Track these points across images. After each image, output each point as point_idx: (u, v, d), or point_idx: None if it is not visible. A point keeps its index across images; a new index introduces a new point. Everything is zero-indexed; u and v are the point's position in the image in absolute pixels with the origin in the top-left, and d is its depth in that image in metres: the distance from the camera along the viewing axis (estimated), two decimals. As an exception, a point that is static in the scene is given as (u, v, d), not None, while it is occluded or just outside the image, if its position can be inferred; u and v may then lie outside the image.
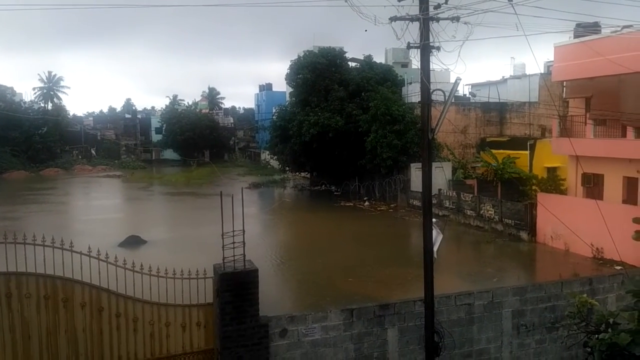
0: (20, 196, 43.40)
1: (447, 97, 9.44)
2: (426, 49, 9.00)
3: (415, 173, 32.92)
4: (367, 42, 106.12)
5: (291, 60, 43.40)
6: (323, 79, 40.68)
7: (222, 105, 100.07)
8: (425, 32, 8.89)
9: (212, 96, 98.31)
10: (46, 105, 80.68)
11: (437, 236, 10.18)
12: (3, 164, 61.14)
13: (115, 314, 8.23)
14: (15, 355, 7.80)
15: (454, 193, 30.81)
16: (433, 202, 10.01)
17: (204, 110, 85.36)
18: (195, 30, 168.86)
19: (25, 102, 75.85)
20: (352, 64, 44.63)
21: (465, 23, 9.11)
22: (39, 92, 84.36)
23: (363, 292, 16.85)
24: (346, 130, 38.31)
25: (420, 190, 10.38)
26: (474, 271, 20.16)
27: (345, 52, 43.74)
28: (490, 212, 27.72)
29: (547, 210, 21.59)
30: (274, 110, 48.56)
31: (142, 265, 8.40)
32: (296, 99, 42.76)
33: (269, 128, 48.13)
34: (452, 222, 28.35)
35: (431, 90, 9.18)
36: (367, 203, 36.63)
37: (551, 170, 27.97)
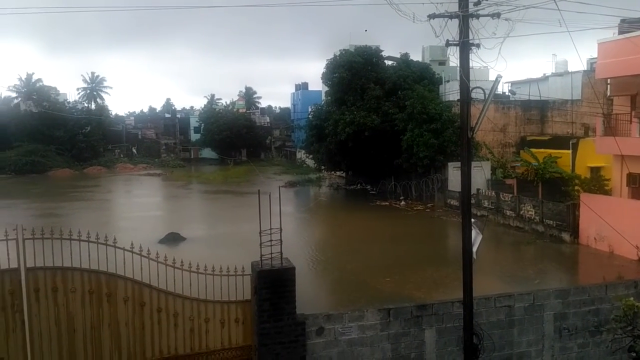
0: (65, 193, 44.92)
1: (487, 96, 9.27)
2: (465, 46, 8.86)
3: (453, 172, 32.45)
4: (403, 40, 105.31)
5: (327, 59, 43.46)
6: (359, 78, 40.54)
7: (259, 105, 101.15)
8: (464, 29, 8.74)
9: (249, 96, 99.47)
10: (89, 105, 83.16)
11: (476, 236, 10.02)
12: (48, 163, 63.33)
13: (157, 309, 8.41)
14: (60, 348, 8.07)
15: (493, 193, 30.24)
16: (472, 202, 9.84)
17: (241, 110, 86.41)
18: (234, 30, 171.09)
19: (69, 102, 78.27)
20: (388, 63, 44.33)
21: (506, 19, 8.92)
22: (83, 93, 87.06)
23: (400, 292, 16.74)
24: (382, 129, 38.09)
25: (458, 189, 10.24)
26: (513, 273, 19.74)
27: (381, 51, 43.50)
28: (530, 212, 27.09)
29: (591, 211, 20.95)
30: (309, 110, 48.69)
31: (182, 262, 8.57)
32: (332, 98, 42.77)
33: (305, 127, 48.32)
34: (490, 222, 27.82)
35: (471, 89, 9.03)
36: (403, 202, 36.35)
37: (595, 170, 27.11)
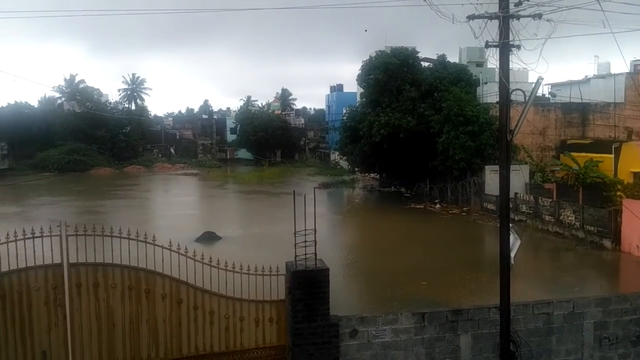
0: (106, 191, 46.19)
1: (527, 98, 9.08)
2: (505, 47, 8.70)
3: (490, 175, 31.90)
4: (440, 42, 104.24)
5: (363, 61, 43.41)
6: (395, 79, 40.32)
7: (294, 106, 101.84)
8: (504, 30, 8.59)
9: (284, 97, 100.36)
10: (130, 106, 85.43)
11: (514, 241, 9.81)
12: (90, 161, 65.26)
13: (193, 306, 8.55)
14: (100, 342, 8.29)
15: (532, 197, 29.56)
16: (509, 206, 9.64)
17: (276, 111, 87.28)
18: (273, 32, 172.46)
19: (110, 103, 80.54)
20: (424, 64, 43.95)
21: (547, 20, 8.73)
22: (124, 93, 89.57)
23: (435, 296, 16.55)
24: (417, 131, 37.77)
25: (495, 193, 10.06)
26: (552, 279, 19.26)
27: (417, 52, 43.16)
28: (570, 218, 26.37)
29: (635, 217, 20.25)
30: (344, 111, 48.72)
31: (218, 261, 8.70)
32: (367, 100, 42.67)
33: (339, 129, 48.33)
34: (528, 227, 27.20)
35: (510, 91, 8.87)
36: (438, 206, 35.93)
37: (638, 175, 26.22)
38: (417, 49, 43.42)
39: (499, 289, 9.10)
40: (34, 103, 79.78)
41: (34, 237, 8.00)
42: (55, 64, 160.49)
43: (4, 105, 74.71)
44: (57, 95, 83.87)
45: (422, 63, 43.67)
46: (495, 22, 8.64)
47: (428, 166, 37.40)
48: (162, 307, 8.44)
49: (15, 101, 75.70)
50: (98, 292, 8.24)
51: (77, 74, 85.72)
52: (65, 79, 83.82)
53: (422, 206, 36.06)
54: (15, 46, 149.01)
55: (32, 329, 8.05)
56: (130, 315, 8.34)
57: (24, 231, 8.01)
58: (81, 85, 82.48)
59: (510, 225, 9.63)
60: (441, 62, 42.76)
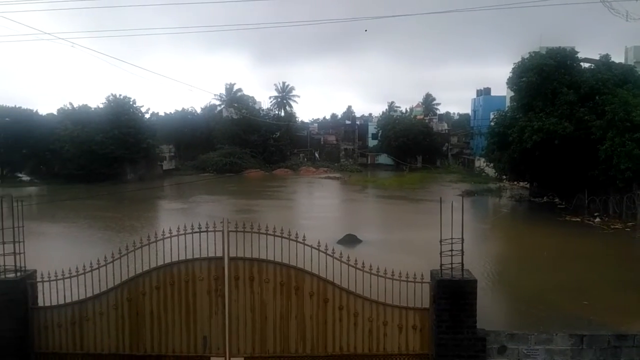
0: (257, 192, 49.44)
1: None
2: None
3: (663, 188, 28.30)
4: (602, 41, 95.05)
5: (514, 63, 41.08)
6: (550, 82, 37.58)
7: (437, 111, 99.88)
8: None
9: (427, 102, 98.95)
10: (279, 112, 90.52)
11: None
12: (243, 164, 70.46)
13: (339, 306, 8.80)
14: (254, 332, 8.90)
15: None
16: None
17: (418, 116, 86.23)
18: (424, 36, 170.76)
19: (263, 110, 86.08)
20: (584, 65, 40.39)
21: None
22: (274, 101, 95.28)
23: (593, 317, 15.11)
24: (575, 137, 34.77)
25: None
26: None
27: (576, 52, 39.74)
28: None
29: None
30: (491, 116, 46.50)
31: (363, 264, 8.86)
32: (518, 104, 40.32)
33: (486, 134, 46.26)
34: None
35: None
36: (597, 219, 32.68)
37: None
38: (576, 49, 40.03)
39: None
40: (198, 110, 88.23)
41: (200, 232, 8.88)
42: (219, 74, 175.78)
43: (173, 112, 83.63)
44: (218, 102, 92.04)
45: (581, 64, 40.19)
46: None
47: (586, 176, 34.24)
48: (309, 304, 8.81)
49: (182, 108, 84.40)
50: (253, 286, 8.86)
51: (235, 83, 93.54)
52: (225, 88, 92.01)
53: (578, 219, 33.09)
54: (189, 57, 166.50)
55: (196, 315, 8.90)
56: (281, 309, 8.83)
57: (192, 226, 8.92)
58: (238, 94, 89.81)
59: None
60: (604, 62, 38.94)
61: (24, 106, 61.42)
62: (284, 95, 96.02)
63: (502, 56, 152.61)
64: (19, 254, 8.78)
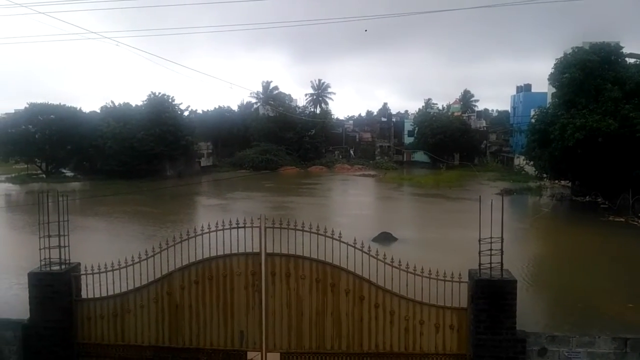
0: (292, 189, 49.73)
1: None
2: None
3: None
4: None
5: (556, 59, 40.04)
6: (593, 78, 36.46)
7: (475, 108, 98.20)
8: None
9: (465, 99, 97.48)
10: (315, 110, 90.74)
11: None
12: (279, 161, 71.02)
13: (374, 304, 8.76)
14: (290, 327, 8.95)
15: None
16: None
17: (456, 113, 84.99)
18: (465, 31, 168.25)
19: (299, 107, 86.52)
20: (630, 61, 39.02)
21: None
22: (310, 98, 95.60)
23: (635, 321, 14.61)
24: (620, 135, 33.63)
25: None
26: None
27: (621, 48, 38.44)
28: None
29: None
30: (532, 113, 45.40)
31: (400, 262, 8.79)
32: (560, 100, 39.24)
33: (526, 131, 45.20)
34: None
35: None
36: (643, 220, 31.58)
37: None
38: (621, 44, 38.70)
39: None
40: (234, 107, 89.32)
41: (238, 227, 8.99)
42: (257, 72, 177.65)
43: (211, 110, 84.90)
44: (254, 100, 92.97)
45: (626, 59, 38.84)
46: None
47: (631, 175, 33.08)
48: (345, 301, 8.80)
49: (220, 106, 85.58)
50: (289, 282, 8.91)
51: (271, 81, 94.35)
52: (262, 86, 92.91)
53: (623, 219, 32.03)
54: (228, 55, 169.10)
55: (233, 310, 9.01)
56: (317, 306, 8.85)
57: (230, 222, 9.04)
58: (275, 92, 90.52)
59: None
60: (652, 57, 37.57)
61: (69, 104, 63.47)
62: (320, 93, 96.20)
63: (543, 52, 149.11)
64: (64, 247, 9.07)
